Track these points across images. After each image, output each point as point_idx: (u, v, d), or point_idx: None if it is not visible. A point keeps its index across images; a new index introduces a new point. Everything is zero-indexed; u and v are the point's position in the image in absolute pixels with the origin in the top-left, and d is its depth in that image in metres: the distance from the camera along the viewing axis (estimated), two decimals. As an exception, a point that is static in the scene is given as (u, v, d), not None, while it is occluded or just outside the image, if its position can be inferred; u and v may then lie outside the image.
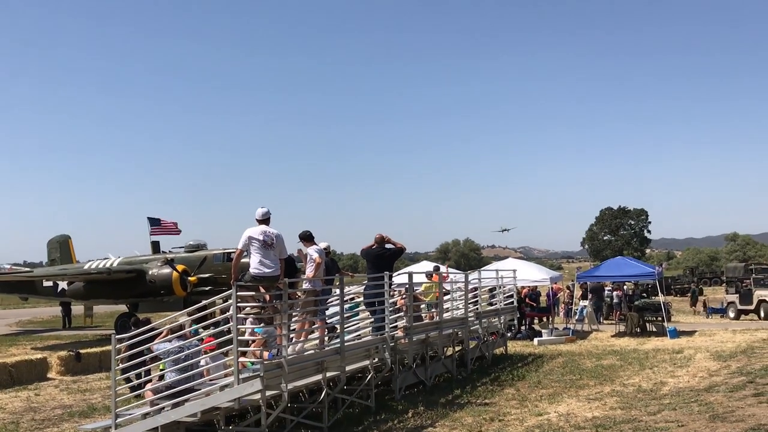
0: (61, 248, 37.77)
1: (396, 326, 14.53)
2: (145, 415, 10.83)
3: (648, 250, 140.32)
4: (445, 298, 17.95)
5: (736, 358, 18.78)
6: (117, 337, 11.46)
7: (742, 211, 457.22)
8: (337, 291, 12.81)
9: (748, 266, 64.08)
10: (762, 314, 33.28)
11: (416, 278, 17.32)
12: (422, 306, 17.18)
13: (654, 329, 27.03)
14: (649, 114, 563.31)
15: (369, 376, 13.50)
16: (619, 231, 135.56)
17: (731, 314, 34.99)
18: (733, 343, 22.18)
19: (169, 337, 11.13)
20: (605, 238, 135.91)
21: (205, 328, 11.85)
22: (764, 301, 33.65)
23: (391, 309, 14.16)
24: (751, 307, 34.08)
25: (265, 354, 10.57)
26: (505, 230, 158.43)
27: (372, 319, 14.48)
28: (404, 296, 14.99)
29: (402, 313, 14.85)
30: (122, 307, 34.40)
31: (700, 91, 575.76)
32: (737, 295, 35.74)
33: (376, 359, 13.69)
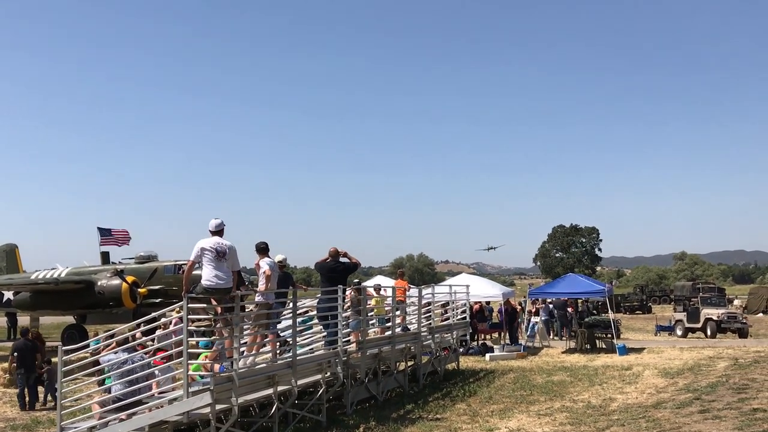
0: (8, 257, 36.96)
1: (348, 340, 14.50)
2: (91, 429, 10.64)
3: (598, 268, 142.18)
4: (398, 312, 17.95)
5: (683, 375, 19.05)
6: (64, 348, 11.22)
7: (690, 231, 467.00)
8: (290, 304, 12.75)
9: (696, 285, 65.38)
10: (708, 332, 33.91)
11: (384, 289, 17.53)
12: (372, 321, 17.14)
13: (603, 346, 27.32)
14: (601, 136, 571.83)
15: (321, 391, 13.40)
16: (571, 248, 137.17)
17: (679, 332, 35.56)
18: (681, 361, 22.50)
19: (116, 349, 10.96)
20: (557, 255, 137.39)
21: (153, 341, 11.66)
22: (711, 319, 34.30)
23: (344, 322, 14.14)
24: (698, 326, 34.71)
25: (216, 367, 10.45)
26: (492, 248, 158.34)
27: (325, 333, 14.41)
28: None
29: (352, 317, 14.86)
30: (70, 319, 33.79)
31: (649, 114, 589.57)
32: (685, 314, 36.37)
33: (329, 373, 13.62)
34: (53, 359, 17.36)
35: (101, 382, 11.46)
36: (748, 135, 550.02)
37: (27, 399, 16.42)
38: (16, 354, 16.87)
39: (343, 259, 15.05)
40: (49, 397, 16.44)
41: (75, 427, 10.84)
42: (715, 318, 34.29)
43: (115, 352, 10.88)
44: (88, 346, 11.58)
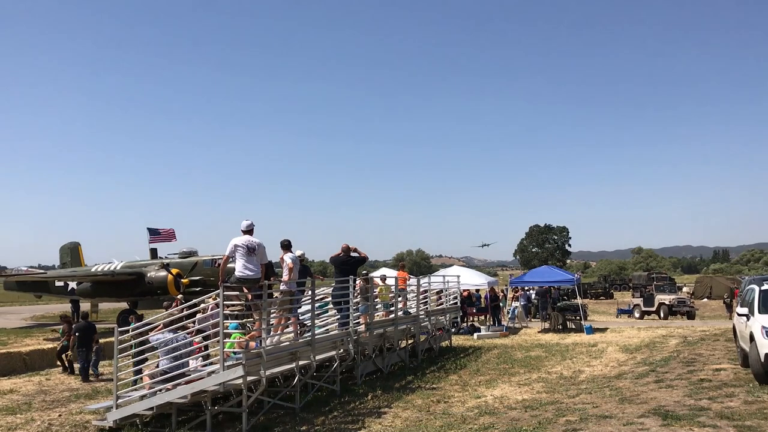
0: (72, 253, 37.10)
1: (358, 322, 14.47)
2: (142, 397, 10.64)
3: (568, 261, 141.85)
4: (399, 298, 17.92)
5: (640, 351, 18.99)
6: (119, 329, 11.22)
7: (646, 228, 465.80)
8: (308, 292, 12.76)
9: (651, 275, 65.39)
10: (662, 315, 33.85)
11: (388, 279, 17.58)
12: (378, 306, 17.10)
13: (573, 326, 27.25)
14: (571, 149, 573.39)
15: (335, 365, 13.38)
16: (545, 244, 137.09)
17: (636, 314, 35.49)
18: (638, 339, 22.43)
19: (163, 330, 10.97)
20: (533, 250, 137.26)
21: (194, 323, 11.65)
22: (663, 304, 34.24)
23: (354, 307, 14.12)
24: (653, 309, 34.65)
25: (252, 344, 10.44)
26: (485, 245, 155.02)
27: (338, 316, 14.39)
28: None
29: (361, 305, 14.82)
30: (124, 305, 33.82)
31: (612, 121, 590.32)
32: (641, 299, 36.30)
33: (342, 350, 13.60)
34: (101, 340, 17.49)
35: (146, 359, 11.46)
36: (694, 144, 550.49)
37: (89, 372, 16.45)
38: (78, 334, 16.86)
39: (353, 254, 15.03)
40: (91, 371, 16.47)
41: (129, 396, 10.85)
42: (667, 303, 34.23)
43: (162, 333, 10.88)
44: (140, 327, 11.57)
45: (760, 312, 12.16)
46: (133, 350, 11.38)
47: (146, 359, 11.69)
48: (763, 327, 11.38)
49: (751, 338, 11.74)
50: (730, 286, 49.84)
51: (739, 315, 13.37)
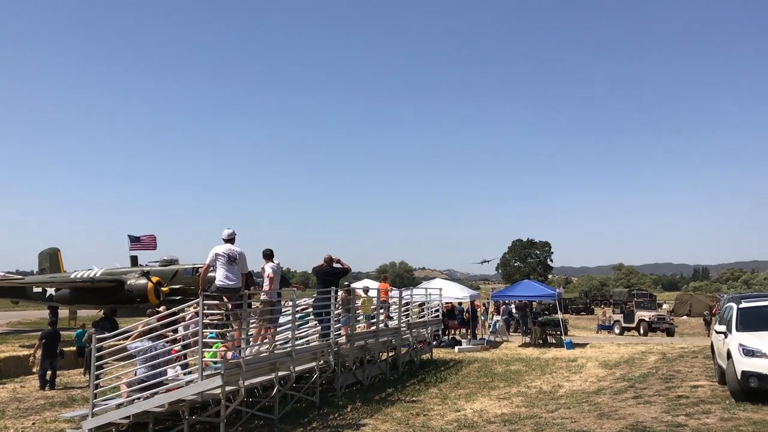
0: (51, 259, 36.79)
1: (339, 334, 14.43)
2: (119, 406, 10.52)
3: (550, 276, 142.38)
4: (381, 310, 17.91)
5: (620, 366, 19.09)
6: (96, 336, 11.10)
7: (628, 245, 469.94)
8: (285, 302, 12.72)
9: (631, 291, 65.85)
10: (641, 331, 34.10)
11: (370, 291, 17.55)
12: (360, 318, 17.07)
13: (553, 341, 27.37)
14: (554, 166, 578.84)
15: (315, 376, 13.33)
16: (527, 259, 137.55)
17: (617, 330, 35.72)
18: (618, 355, 22.56)
19: (142, 338, 10.87)
20: (516, 264, 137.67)
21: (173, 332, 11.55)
22: (643, 320, 34.52)
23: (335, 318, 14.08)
24: (633, 325, 34.92)
25: (229, 354, 10.37)
26: (486, 261, 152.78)
27: (319, 327, 14.34)
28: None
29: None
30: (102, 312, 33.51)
31: (596, 139, 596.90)
32: (622, 315, 36.58)
33: (322, 361, 13.54)
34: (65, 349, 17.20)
35: (101, 366, 11.28)
36: (675, 163, 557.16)
37: (48, 379, 16.13)
38: (44, 341, 16.58)
39: (336, 265, 15.00)
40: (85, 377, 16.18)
41: (105, 404, 10.73)
42: (647, 319, 34.51)
43: (141, 341, 10.78)
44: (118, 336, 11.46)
45: (737, 330, 12.30)
46: (102, 360, 11.18)
47: (102, 367, 11.43)
48: (741, 345, 11.50)
49: (729, 355, 11.86)
50: (709, 303, 50.37)
51: (717, 332, 13.51)
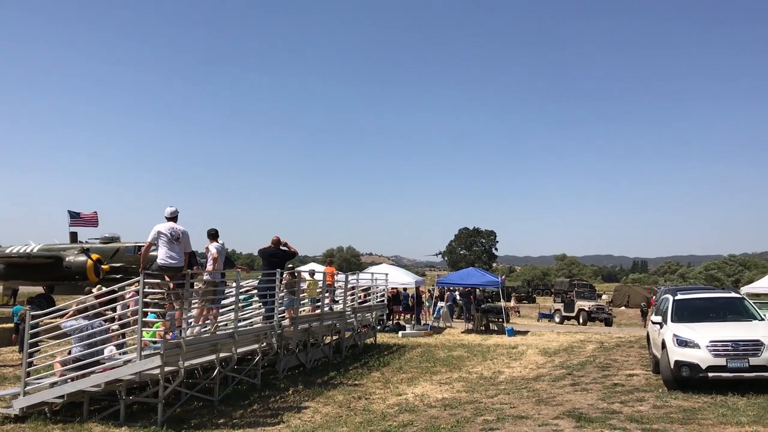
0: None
1: (283, 316, 14.33)
2: (53, 385, 10.23)
3: (494, 264, 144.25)
4: (326, 294, 17.86)
5: (559, 354, 19.49)
6: (31, 314, 10.75)
7: (570, 236, 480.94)
8: (229, 283, 12.56)
9: (572, 282, 67.21)
10: (581, 320, 34.82)
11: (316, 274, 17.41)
12: (305, 301, 16.99)
13: (495, 328, 27.77)
14: (504, 155, 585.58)
15: (257, 358, 13.22)
16: (473, 247, 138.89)
17: (557, 319, 36.40)
18: (557, 343, 23.03)
19: (77, 316, 10.58)
20: (461, 252, 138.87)
21: (112, 310, 11.27)
22: (583, 310, 35.25)
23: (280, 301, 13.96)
24: (573, 314, 35.62)
25: (168, 335, 10.17)
26: (440, 253, 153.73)
27: (263, 309, 14.20)
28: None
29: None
30: (40, 289, 32.51)
31: (541, 132, 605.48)
32: (562, 304, 37.27)
33: (264, 344, 13.43)
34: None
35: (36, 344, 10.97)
36: (617, 158, 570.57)
37: None
38: None
39: (283, 248, 14.86)
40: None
41: (38, 383, 10.42)
42: (586, 309, 35.24)
43: (76, 319, 10.49)
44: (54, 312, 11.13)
45: (672, 321, 12.69)
46: (36, 338, 10.85)
47: (36, 345, 11.09)
48: (675, 335, 11.87)
49: (663, 345, 12.22)
50: (646, 295, 51.78)
51: (653, 323, 13.90)
